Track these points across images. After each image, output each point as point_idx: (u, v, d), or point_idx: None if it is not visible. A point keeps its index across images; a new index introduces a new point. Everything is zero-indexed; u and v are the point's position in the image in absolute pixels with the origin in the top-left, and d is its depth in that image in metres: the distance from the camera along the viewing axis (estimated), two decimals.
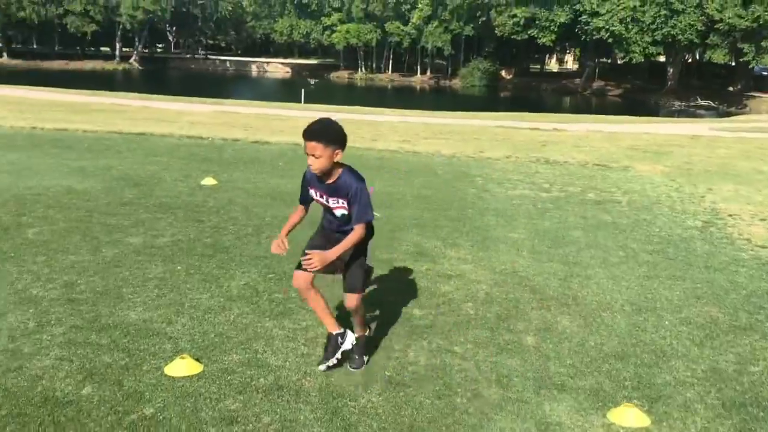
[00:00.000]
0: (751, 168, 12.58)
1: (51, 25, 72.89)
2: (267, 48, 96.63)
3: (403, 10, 69.02)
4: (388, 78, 76.59)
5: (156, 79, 59.90)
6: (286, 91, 48.78)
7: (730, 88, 54.10)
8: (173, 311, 4.65)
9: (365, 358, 3.95)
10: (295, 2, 76.15)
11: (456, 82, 69.99)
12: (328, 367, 3.82)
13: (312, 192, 3.72)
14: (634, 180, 10.78)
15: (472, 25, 65.36)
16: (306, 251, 3.60)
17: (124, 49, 79.87)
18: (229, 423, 3.32)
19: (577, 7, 54.83)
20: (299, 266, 3.69)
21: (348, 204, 3.60)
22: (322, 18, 75.76)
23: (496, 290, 5.35)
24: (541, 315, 4.88)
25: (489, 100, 50.56)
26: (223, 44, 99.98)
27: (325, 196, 3.66)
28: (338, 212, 3.67)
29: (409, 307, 4.94)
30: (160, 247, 6.08)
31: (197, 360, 3.90)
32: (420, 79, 75.53)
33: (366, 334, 4.02)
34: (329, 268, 3.66)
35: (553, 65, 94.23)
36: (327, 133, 3.46)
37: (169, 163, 10.41)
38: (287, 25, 79.43)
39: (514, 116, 24.34)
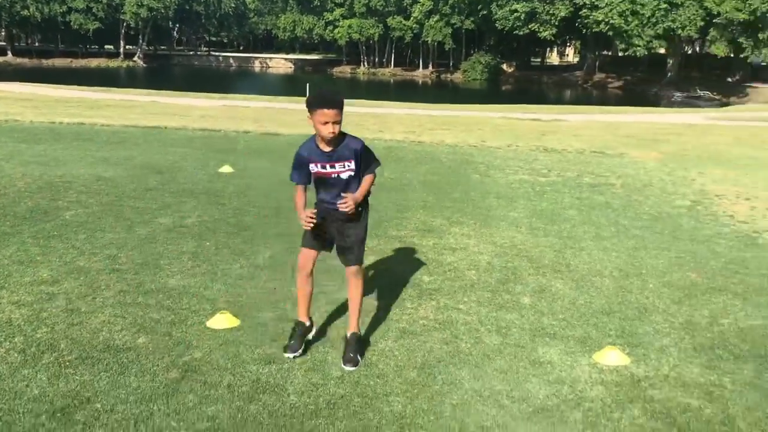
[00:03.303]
0: (742, 154, 13.11)
1: (54, 23, 73.46)
2: (269, 44, 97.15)
3: (405, 4, 69.46)
4: (390, 72, 77.09)
5: (161, 75, 60.46)
6: (290, 86, 49.31)
7: (729, 79, 54.47)
8: (208, 279, 5.21)
9: (359, 358, 3.96)
10: None
11: (458, 76, 70.43)
12: (294, 357, 3.95)
13: (312, 166, 3.88)
14: (628, 165, 11.32)
15: (472, 19, 65.75)
16: (337, 202, 3.81)
17: (127, 47, 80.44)
18: (268, 363, 3.88)
19: (577, 0, 55.11)
20: (304, 243, 4.01)
21: (355, 162, 3.87)
22: (325, 13, 76.21)
23: (496, 260, 5.91)
24: (536, 280, 5.43)
25: (491, 94, 50.99)
26: (225, 40, 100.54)
27: (328, 165, 3.88)
28: (344, 175, 3.90)
29: (418, 274, 5.49)
30: (188, 227, 6.64)
31: (235, 315, 4.46)
32: (422, 74, 76.00)
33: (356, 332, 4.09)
34: (330, 235, 4.00)
35: (554, 58, 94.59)
36: (342, 102, 3.80)
37: (186, 153, 10.97)
38: (290, 21, 79.96)
39: (515, 108, 24.85)
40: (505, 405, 3.52)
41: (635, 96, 47.32)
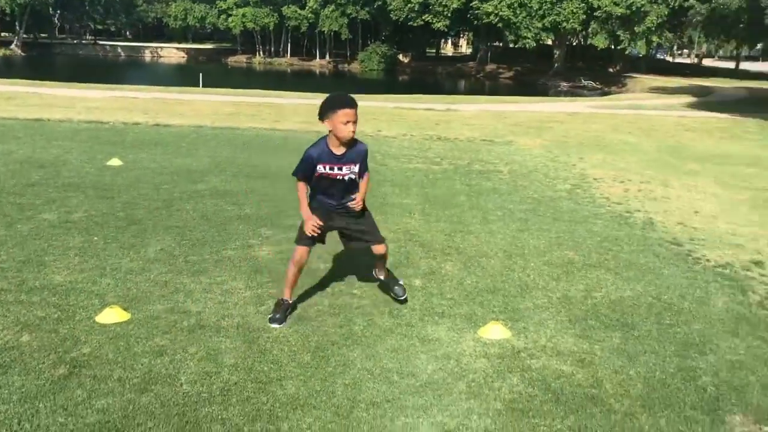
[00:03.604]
0: (619, 140, 14.02)
1: None
2: (160, 33, 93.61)
3: None
4: (287, 62, 76.23)
5: (42, 65, 56.94)
6: (183, 76, 47.83)
7: (610, 70, 57.66)
8: (97, 274, 5.08)
9: (401, 282, 4.74)
10: None
11: (355, 66, 70.59)
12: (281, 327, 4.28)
13: (320, 167, 4.16)
14: (515, 152, 11.86)
15: (367, 9, 66.05)
16: (347, 204, 4.32)
17: (3, 34, 75.23)
18: (159, 354, 3.86)
19: None
20: (298, 241, 4.37)
21: (359, 166, 4.25)
22: (218, 2, 74.26)
23: (390, 245, 6.03)
24: (427, 263, 5.66)
25: (388, 84, 51.49)
26: (112, 29, 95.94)
27: (336, 168, 4.18)
28: (347, 178, 4.24)
29: (313, 262, 5.56)
30: (74, 222, 6.41)
31: (125, 310, 4.39)
32: (319, 63, 75.64)
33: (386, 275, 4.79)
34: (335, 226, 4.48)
35: (448, 49, 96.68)
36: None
37: (71, 147, 10.51)
38: (181, 9, 77.32)
39: (410, 98, 25.26)
40: (395, 381, 3.69)
41: (525, 86, 49.23)
